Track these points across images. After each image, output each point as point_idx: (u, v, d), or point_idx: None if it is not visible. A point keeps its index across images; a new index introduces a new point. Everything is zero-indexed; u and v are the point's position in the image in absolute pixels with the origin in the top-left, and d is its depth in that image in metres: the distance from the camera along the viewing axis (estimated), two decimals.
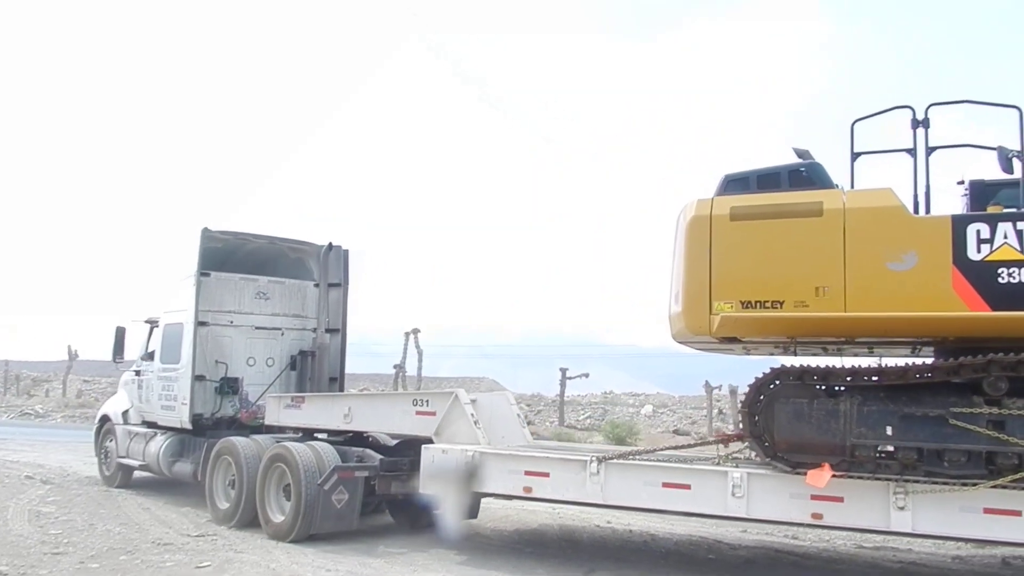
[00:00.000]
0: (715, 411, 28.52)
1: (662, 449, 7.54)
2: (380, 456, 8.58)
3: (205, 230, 10.88)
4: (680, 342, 7.59)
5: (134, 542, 8.38)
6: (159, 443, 11.38)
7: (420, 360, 29.29)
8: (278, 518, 8.55)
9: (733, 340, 7.15)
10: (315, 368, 11.98)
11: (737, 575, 8.02)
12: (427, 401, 8.52)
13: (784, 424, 6.53)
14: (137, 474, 12.56)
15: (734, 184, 7.16)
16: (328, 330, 12.26)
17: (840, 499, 6.33)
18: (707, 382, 33.79)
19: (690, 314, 6.91)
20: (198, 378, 10.72)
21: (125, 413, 12.85)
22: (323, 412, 9.35)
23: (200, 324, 10.80)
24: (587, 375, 34.87)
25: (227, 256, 11.55)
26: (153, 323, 12.57)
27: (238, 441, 9.40)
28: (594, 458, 7.16)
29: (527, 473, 7.44)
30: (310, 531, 8.26)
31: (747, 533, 10.08)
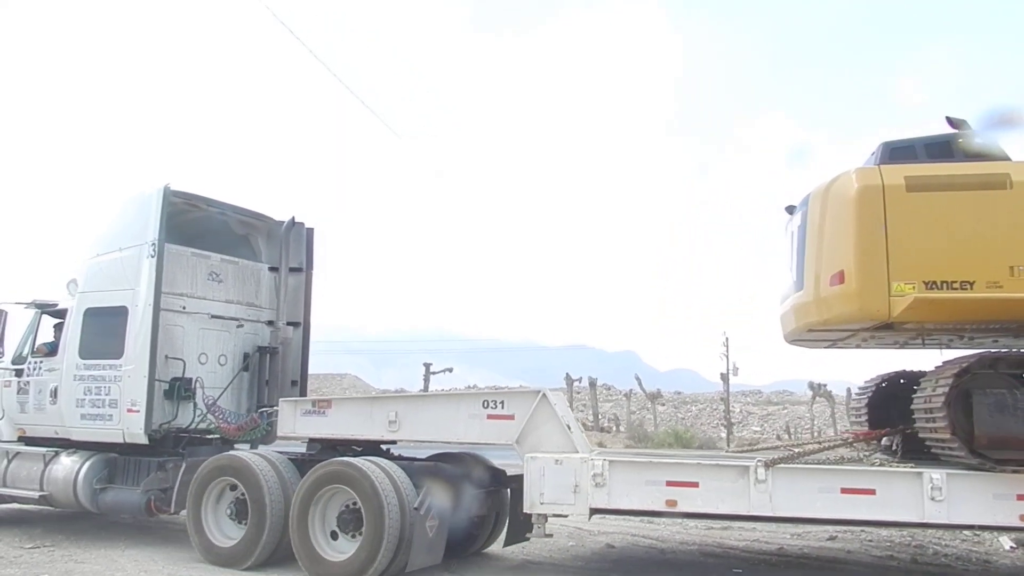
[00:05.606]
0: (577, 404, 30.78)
1: (823, 448, 6.61)
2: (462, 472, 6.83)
3: (167, 188, 8.42)
4: (821, 330, 6.71)
5: None
6: (71, 465, 8.62)
7: None
8: (336, 556, 6.49)
9: (887, 327, 6.42)
10: (275, 368, 9.82)
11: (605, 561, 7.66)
12: (502, 403, 6.94)
13: (985, 418, 5.88)
14: None
15: (897, 152, 6.49)
16: (288, 323, 10.14)
17: None
18: (568, 374, 34.33)
19: (866, 296, 6.10)
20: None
21: None
22: (358, 419, 7.35)
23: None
24: (451, 370, 34.23)
25: (168, 224, 9.03)
26: (46, 307, 9.65)
27: (250, 459, 7.15)
28: (759, 463, 6.06)
29: (670, 484, 6.18)
30: (402, 571, 6.35)
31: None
